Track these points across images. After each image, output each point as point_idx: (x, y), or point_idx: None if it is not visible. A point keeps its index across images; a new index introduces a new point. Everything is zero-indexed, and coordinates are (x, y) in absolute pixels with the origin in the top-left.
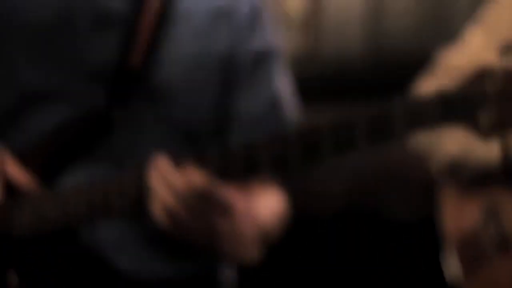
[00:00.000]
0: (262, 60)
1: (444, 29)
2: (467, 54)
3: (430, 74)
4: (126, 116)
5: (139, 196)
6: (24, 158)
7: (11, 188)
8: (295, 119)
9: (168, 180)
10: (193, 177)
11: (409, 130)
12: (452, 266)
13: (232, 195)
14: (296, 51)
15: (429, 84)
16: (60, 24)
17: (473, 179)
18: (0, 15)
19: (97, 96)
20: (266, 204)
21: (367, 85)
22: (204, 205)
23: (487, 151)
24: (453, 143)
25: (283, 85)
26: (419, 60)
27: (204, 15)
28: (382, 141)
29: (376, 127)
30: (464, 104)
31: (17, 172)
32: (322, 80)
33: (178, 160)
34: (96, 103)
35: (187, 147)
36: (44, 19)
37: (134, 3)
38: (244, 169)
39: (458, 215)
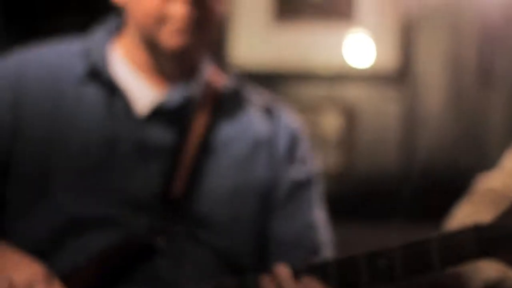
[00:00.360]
0: (300, 188)
1: (479, 147)
2: (505, 179)
3: (468, 200)
4: (168, 243)
5: None
6: (69, 281)
7: None
8: (331, 244)
9: None
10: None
11: (445, 266)
12: None
13: None
14: (331, 169)
15: (466, 212)
16: (104, 153)
17: None
18: (48, 142)
19: (140, 223)
20: None
21: (401, 204)
22: None
23: None
24: (491, 268)
25: (319, 211)
26: (455, 180)
27: (244, 145)
28: (417, 275)
29: (412, 261)
30: (501, 241)
31: None
32: (355, 198)
33: (295, 271)
34: (139, 230)
35: (228, 272)
36: (90, 148)
37: (176, 134)
38: None
39: None
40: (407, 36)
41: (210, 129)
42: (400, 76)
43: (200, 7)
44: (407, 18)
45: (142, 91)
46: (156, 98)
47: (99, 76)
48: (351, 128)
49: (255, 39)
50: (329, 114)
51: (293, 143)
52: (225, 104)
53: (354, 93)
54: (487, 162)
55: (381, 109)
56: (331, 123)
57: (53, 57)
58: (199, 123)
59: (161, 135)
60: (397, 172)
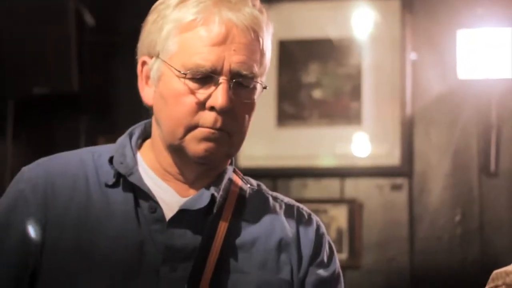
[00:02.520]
0: (324, 285)
1: (483, 235)
2: None
3: None
4: None
5: None
6: None
7: None
8: None
9: None
10: None
11: None
12: None
13: None
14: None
15: None
16: (131, 258)
17: None
18: (76, 250)
19: None
20: None
21: None
22: None
23: None
24: None
25: None
26: (458, 270)
27: (268, 245)
28: None
29: None
30: None
31: None
32: None
33: None
34: None
35: None
36: (117, 254)
37: (202, 236)
38: None
39: None
40: (409, 131)
41: (235, 229)
42: (403, 170)
43: (232, 117)
44: (407, 115)
45: (168, 195)
46: (181, 202)
47: (126, 182)
48: (357, 221)
49: (262, 141)
50: (335, 209)
51: (317, 243)
52: (249, 203)
53: (359, 188)
54: (491, 250)
55: (386, 203)
56: (337, 217)
57: (79, 165)
58: (224, 224)
59: (186, 237)
60: (405, 264)
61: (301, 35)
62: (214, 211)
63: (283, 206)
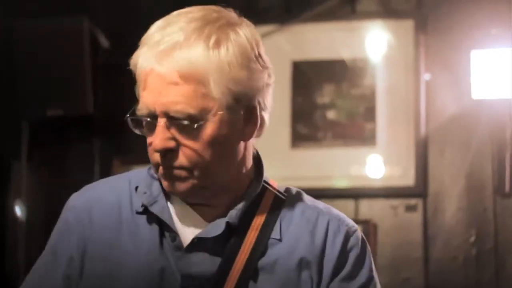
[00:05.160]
0: None
1: (498, 255)
2: None
3: None
4: None
5: None
6: None
7: None
8: None
9: None
10: None
11: None
12: None
13: None
14: None
15: None
16: (154, 285)
17: None
18: (110, 274)
19: None
20: None
21: None
22: None
23: None
24: None
25: None
26: None
27: (291, 265)
28: None
29: None
30: None
31: None
32: None
33: None
34: None
35: None
36: (144, 282)
37: (221, 267)
38: None
39: None
40: (423, 152)
41: (259, 249)
42: (418, 190)
43: (184, 154)
44: (422, 135)
45: (192, 220)
46: (200, 228)
47: (150, 212)
48: (371, 242)
49: (276, 162)
50: None
51: (342, 257)
52: (281, 217)
53: (373, 209)
54: (507, 270)
55: (401, 224)
56: None
57: (116, 192)
58: (249, 244)
59: (204, 264)
60: (420, 285)
61: (315, 56)
62: (232, 240)
63: (318, 217)
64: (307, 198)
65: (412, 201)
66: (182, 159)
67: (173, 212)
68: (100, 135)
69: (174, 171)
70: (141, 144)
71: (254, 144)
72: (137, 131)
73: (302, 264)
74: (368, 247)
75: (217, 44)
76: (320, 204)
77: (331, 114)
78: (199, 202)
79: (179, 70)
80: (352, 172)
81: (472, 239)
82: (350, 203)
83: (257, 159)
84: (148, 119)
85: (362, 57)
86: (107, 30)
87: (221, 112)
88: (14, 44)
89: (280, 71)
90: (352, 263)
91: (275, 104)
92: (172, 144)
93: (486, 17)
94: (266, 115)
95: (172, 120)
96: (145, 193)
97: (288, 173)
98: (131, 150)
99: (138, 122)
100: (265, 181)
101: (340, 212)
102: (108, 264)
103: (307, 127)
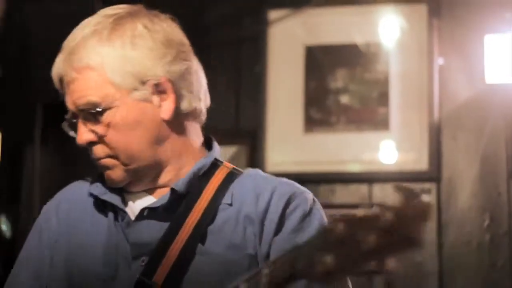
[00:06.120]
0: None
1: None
2: None
3: None
4: None
5: None
6: None
7: None
8: None
9: None
10: None
11: None
12: None
13: None
14: None
15: None
16: (111, 258)
17: None
18: (72, 254)
19: None
20: None
21: None
22: None
23: None
24: None
25: None
26: (486, 276)
27: (238, 224)
28: None
29: None
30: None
31: None
32: None
33: None
34: None
35: None
36: (100, 257)
37: (167, 232)
38: None
39: None
40: (436, 137)
41: (209, 215)
42: (431, 175)
43: (109, 143)
44: (435, 120)
45: (142, 204)
46: (147, 203)
47: (102, 200)
48: None
49: (289, 147)
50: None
51: (283, 216)
52: (232, 189)
53: (387, 194)
54: None
55: None
56: None
57: (82, 185)
58: (197, 211)
59: (152, 233)
60: (434, 268)
61: (328, 41)
62: (181, 208)
63: (268, 182)
64: (264, 173)
65: (426, 186)
66: (105, 148)
67: (127, 198)
68: None
69: (102, 161)
70: None
71: (197, 124)
72: (72, 134)
73: (246, 221)
74: (321, 209)
75: (111, 33)
76: (277, 178)
77: (344, 99)
78: (146, 188)
79: (76, 66)
80: (365, 156)
81: (486, 223)
82: (363, 188)
83: (209, 141)
84: (73, 120)
85: (375, 42)
86: None
87: (126, 96)
88: (27, 27)
89: (293, 56)
90: (298, 219)
91: (288, 88)
92: (91, 136)
93: (500, 1)
94: (195, 100)
95: (85, 114)
96: (97, 185)
97: (301, 157)
98: None
99: (71, 126)
100: (220, 161)
101: (295, 182)
102: (72, 247)
103: (320, 111)
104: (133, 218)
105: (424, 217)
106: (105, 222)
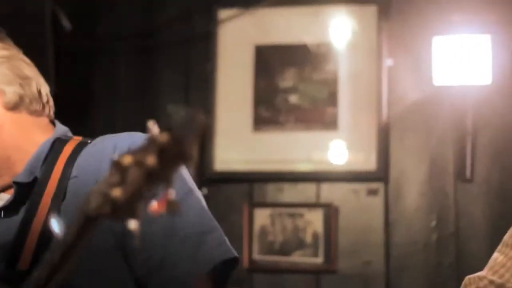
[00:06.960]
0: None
1: (459, 240)
2: None
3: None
4: None
5: None
6: None
7: None
8: None
9: None
10: None
11: None
12: None
13: None
14: (316, 266)
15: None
16: None
17: None
18: None
19: None
20: None
21: None
22: None
23: None
24: None
25: None
26: (434, 276)
27: (82, 198)
28: None
29: None
30: None
31: None
32: None
33: None
34: None
35: None
36: None
37: (20, 228)
38: None
39: None
40: (385, 137)
41: (57, 199)
42: (379, 175)
43: None
44: (383, 120)
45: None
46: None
47: None
48: (333, 226)
49: (238, 145)
50: (311, 213)
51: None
52: (71, 163)
53: (335, 193)
54: (467, 255)
55: (362, 208)
56: (313, 222)
57: None
58: (48, 197)
59: (6, 233)
60: (381, 268)
61: (278, 41)
62: (30, 198)
63: (109, 142)
64: (113, 134)
65: (374, 186)
66: None
67: None
68: (62, 119)
69: None
70: (104, 126)
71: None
72: None
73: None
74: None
75: None
76: (123, 133)
77: (293, 98)
78: (5, 186)
79: None
80: (314, 156)
81: (433, 224)
82: (312, 187)
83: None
84: None
85: (325, 42)
86: (70, 12)
87: None
88: None
89: (243, 55)
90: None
91: (237, 87)
92: None
93: (448, 3)
94: (8, 88)
95: None
96: None
97: (250, 156)
98: (93, 132)
99: None
100: (69, 136)
101: (139, 133)
102: None
103: (269, 111)
104: None
105: (196, 132)
106: None
